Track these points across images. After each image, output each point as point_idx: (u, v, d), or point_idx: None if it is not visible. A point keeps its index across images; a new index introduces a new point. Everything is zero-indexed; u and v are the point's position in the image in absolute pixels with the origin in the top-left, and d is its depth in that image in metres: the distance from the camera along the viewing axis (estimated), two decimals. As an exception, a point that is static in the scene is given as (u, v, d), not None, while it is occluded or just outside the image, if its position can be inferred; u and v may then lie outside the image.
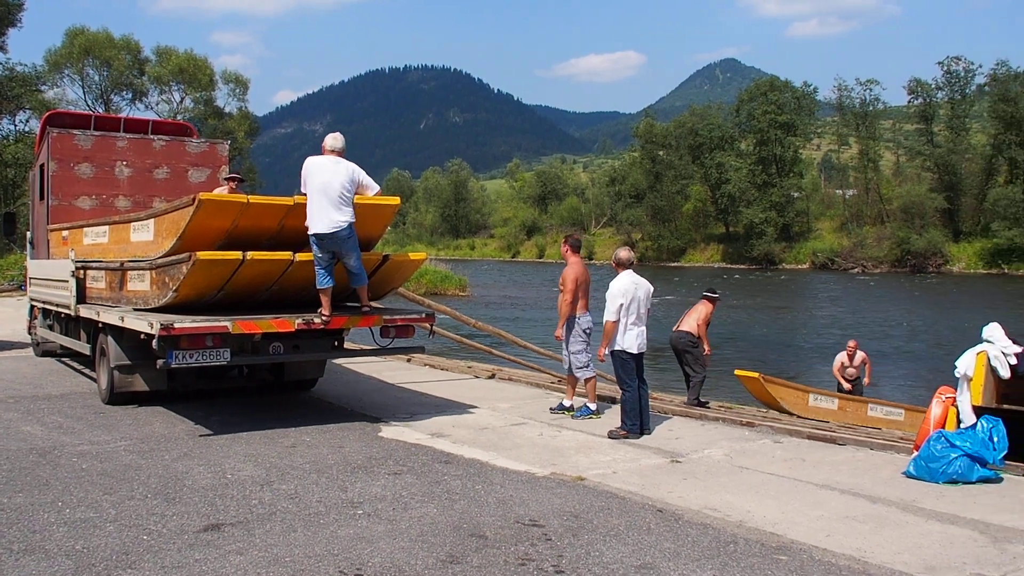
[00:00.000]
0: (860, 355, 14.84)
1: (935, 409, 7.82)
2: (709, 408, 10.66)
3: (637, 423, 8.65)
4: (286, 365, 10.09)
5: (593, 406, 9.68)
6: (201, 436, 8.31)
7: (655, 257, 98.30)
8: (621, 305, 8.72)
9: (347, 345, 10.28)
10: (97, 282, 10.36)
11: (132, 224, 9.64)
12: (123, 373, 9.44)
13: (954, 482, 6.91)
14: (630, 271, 9.02)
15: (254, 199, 8.25)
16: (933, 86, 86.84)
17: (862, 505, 6.29)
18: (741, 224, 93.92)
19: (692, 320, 11.32)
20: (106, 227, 10.57)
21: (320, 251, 8.24)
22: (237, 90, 77.18)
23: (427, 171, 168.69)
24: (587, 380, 9.73)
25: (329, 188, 8.19)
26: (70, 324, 11.66)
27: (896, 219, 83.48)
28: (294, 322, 8.31)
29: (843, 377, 14.71)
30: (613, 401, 10.35)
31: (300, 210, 8.31)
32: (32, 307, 14.38)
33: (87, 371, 12.27)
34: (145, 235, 9.18)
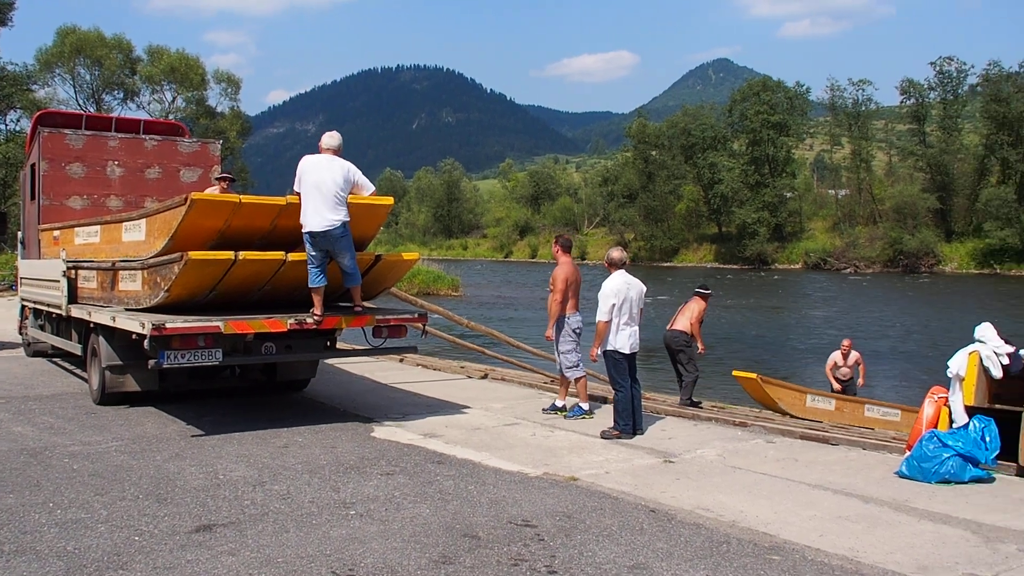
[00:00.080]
0: (854, 355, 14.78)
1: (927, 409, 7.82)
2: (702, 408, 10.67)
3: (630, 423, 8.65)
4: (278, 365, 10.07)
5: (586, 406, 9.68)
6: (193, 437, 8.28)
7: (648, 257, 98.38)
8: (613, 305, 8.72)
9: (339, 345, 10.26)
10: (88, 282, 10.32)
11: (124, 224, 9.61)
12: (114, 373, 9.41)
13: (946, 482, 6.92)
14: (623, 271, 9.02)
15: (246, 199, 8.23)
16: (925, 86, 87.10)
17: (855, 505, 6.30)
18: (734, 224, 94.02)
19: (685, 319, 11.32)
20: (97, 227, 10.54)
21: (313, 249, 8.23)
22: (229, 89, 77.16)
23: (420, 171, 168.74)
24: (577, 380, 9.73)
25: (323, 186, 8.18)
26: (61, 324, 11.62)
27: (888, 219, 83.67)
28: (286, 322, 8.29)
29: (834, 377, 14.68)
30: (604, 401, 10.36)
31: (292, 210, 8.29)
32: (23, 307, 14.33)
33: (78, 371, 12.23)
34: (137, 235, 9.15)
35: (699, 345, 11.30)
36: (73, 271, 10.57)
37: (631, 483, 6.80)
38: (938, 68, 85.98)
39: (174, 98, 75.06)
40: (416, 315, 9.53)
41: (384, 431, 8.66)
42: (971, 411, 7.54)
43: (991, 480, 7.06)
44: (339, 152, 8.55)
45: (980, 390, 7.64)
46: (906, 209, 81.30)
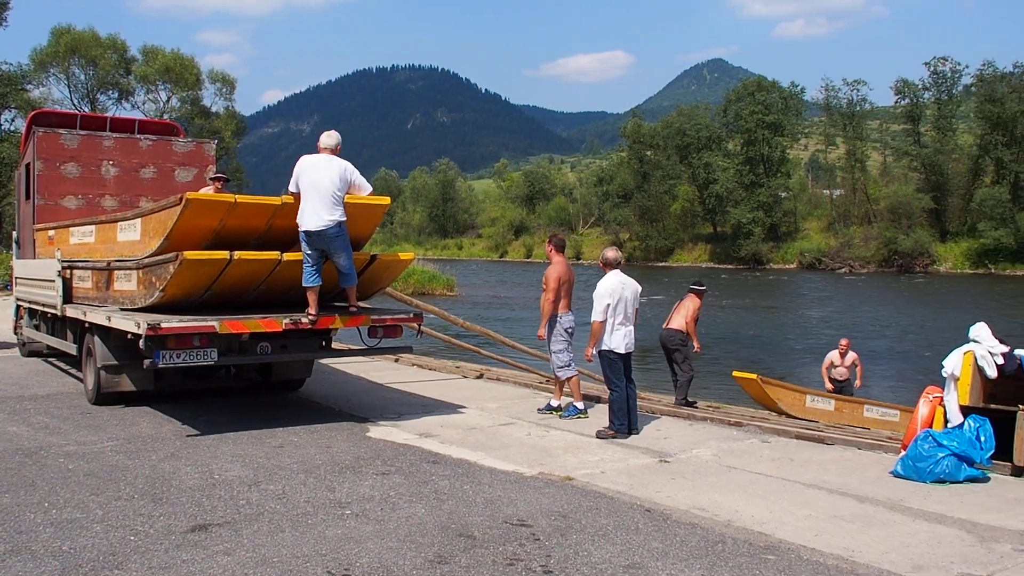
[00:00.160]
0: (852, 355, 14.67)
1: (922, 409, 7.84)
2: (697, 408, 10.67)
3: (625, 423, 8.65)
4: (274, 365, 10.07)
5: (581, 405, 9.68)
6: (188, 436, 8.28)
7: (643, 257, 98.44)
8: (608, 305, 8.72)
9: (335, 345, 10.26)
10: (83, 282, 10.31)
11: (119, 224, 9.60)
12: (110, 373, 9.40)
13: (941, 481, 6.93)
14: (618, 271, 9.02)
15: (241, 199, 8.23)
16: (920, 87, 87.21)
17: (850, 504, 6.31)
18: (729, 224, 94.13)
19: (681, 317, 11.30)
20: (92, 227, 10.53)
21: (309, 248, 8.22)
22: (224, 89, 76.99)
23: (415, 171, 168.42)
24: (568, 380, 9.74)
25: (320, 186, 8.17)
26: (56, 324, 11.61)
27: (883, 219, 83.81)
28: (282, 322, 8.28)
29: (830, 377, 14.63)
30: (598, 400, 10.36)
31: (288, 210, 8.29)
32: (18, 307, 14.31)
33: (74, 371, 12.21)
34: (132, 235, 9.14)
35: (695, 344, 11.29)
36: (68, 271, 10.56)
37: (627, 483, 6.81)
38: (932, 68, 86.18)
39: (169, 98, 74.94)
40: (411, 315, 9.52)
41: (380, 431, 8.66)
42: (966, 411, 7.56)
43: (986, 480, 7.07)
44: (337, 151, 8.54)
45: (975, 390, 7.66)
46: (901, 209, 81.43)
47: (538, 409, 9.96)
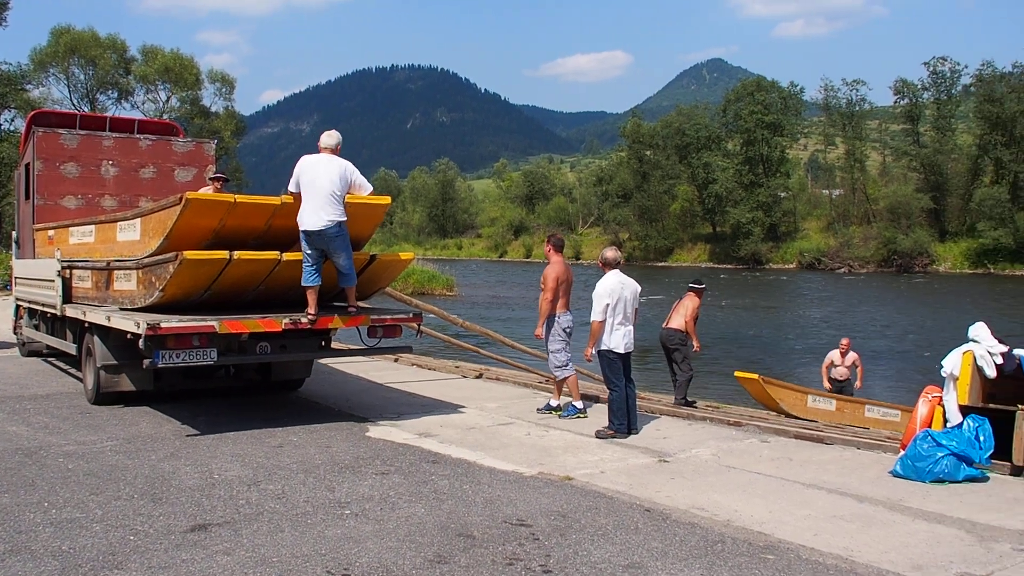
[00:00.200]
0: (852, 355, 14.62)
1: (922, 408, 7.84)
2: (696, 408, 10.67)
3: (624, 423, 8.66)
4: (273, 365, 10.07)
5: (580, 405, 9.69)
6: (188, 436, 8.28)
7: (642, 257, 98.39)
8: (607, 305, 8.72)
9: (334, 345, 10.26)
10: (83, 282, 10.31)
11: (118, 223, 9.60)
12: (109, 373, 9.40)
13: (940, 481, 6.94)
14: (617, 271, 9.02)
15: (241, 198, 8.23)
16: (919, 86, 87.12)
17: (849, 504, 6.31)
18: (728, 224, 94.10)
19: (680, 316, 11.29)
20: (92, 227, 10.53)
21: (309, 248, 8.23)
22: (223, 89, 76.93)
23: (414, 171, 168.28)
24: (565, 379, 9.74)
25: (320, 185, 8.17)
26: (56, 324, 11.61)
27: (882, 219, 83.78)
28: (281, 322, 8.29)
29: (829, 377, 14.61)
30: (597, 400, 10.36)
31: (287, 210, 8.29)
32: (18, 307, 14.31)
33: (73, 371, 12.21)
34: (131, 234, 9.14)
35: (694, 343, 11.29)
36: (68, 271, 10.56)
37: (626, 482, 6.81)
38: (932, 68, 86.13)
39: (168, 98, 74.89)
40: (411, 315, 9.52)
41: (379, 431, 8.66)
42: (965, 410, 7.57)
43: (985, 479, 7.08)
44: (337, 151, 8.54)
45: (974, 389, 7.67)
46: (900, 209, 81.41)
47: (537, 409, 9.96)
